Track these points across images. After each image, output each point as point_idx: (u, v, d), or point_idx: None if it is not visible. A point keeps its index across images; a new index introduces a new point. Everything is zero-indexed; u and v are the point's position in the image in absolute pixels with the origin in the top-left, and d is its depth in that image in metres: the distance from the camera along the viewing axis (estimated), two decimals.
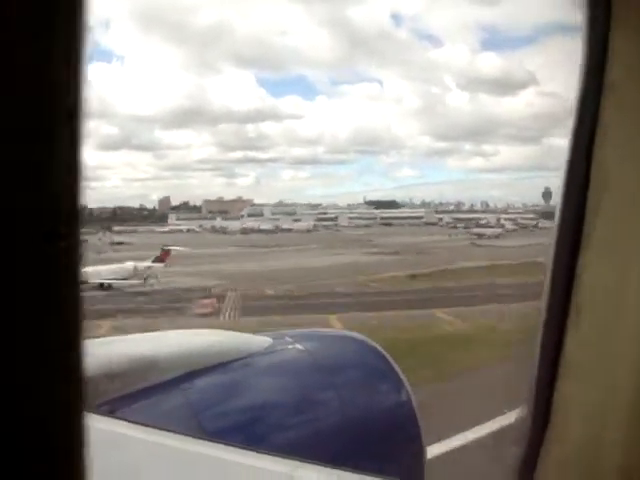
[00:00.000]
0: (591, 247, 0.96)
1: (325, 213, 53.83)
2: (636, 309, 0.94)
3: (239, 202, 56.10)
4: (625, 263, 0.95)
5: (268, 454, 1.63)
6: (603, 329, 0.97)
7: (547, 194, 49.17)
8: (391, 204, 56.77)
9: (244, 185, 61.09)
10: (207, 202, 56.54)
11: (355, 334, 2.53)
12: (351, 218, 52.22)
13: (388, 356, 2.35)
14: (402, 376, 2.30)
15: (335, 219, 51.55)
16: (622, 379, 0.96)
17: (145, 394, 1.97)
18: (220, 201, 57.03)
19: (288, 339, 2.32)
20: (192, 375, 2.05)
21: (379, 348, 2.39)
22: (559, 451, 1.01)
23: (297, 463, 1.58)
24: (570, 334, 0.98)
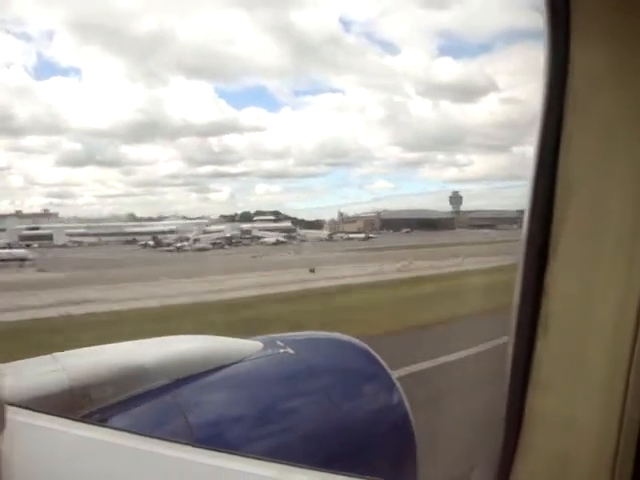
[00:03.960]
0: (558, 258, 0.97)
1: (37, 228, 43.41)
2: (604, 320, 0.95)
3: (43, 216, 47.62)
4: (592, 274, 0.96)
5: (257, 458, 1.63)
6: (572, 340, 0.98)
7: (455, 198, 46.76)
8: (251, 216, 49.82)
9: (220, 200, 59.47)
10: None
11: (346, 336, 2.54)
12: (71, 234, 43.28)
13: (379, 358, 2.35)
14: (394, 378, 2.31)
15: (50, 237, 42.06)
16: (592, 391, 0.97)
17: (136, 401, 1.97)
18: (18, 215, 47.28)
19: (279, 343, 2.32)
20: (183, 381, 2.05)
21: (370, 350, 2.39)
22: (531, 465, 1.01)
23: (286, 467, 1.58)
24: (539, 346, 0.99)
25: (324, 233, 45.50)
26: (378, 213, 48.81)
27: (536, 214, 0.99)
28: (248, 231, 44.54)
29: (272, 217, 49.00)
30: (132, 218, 47.88)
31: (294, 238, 43.96)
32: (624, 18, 0.91)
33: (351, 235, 45.09)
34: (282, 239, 42.05)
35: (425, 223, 47.43)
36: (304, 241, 43.37)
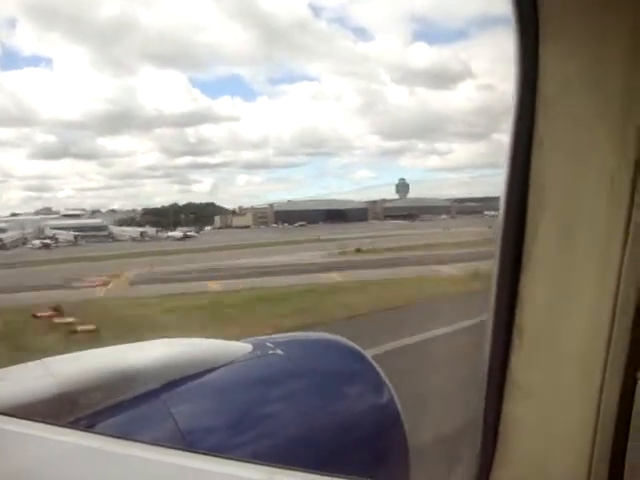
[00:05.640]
0: (531, 266, 0.96)
1: None
2: (578, 328, 0.95)
3: None
4: (564, 282, 0.96)
5: (248, 461, 1.64)
6: (546, 348, 0.98)
7: (402, 186, 43.86)
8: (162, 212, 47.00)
9: (202, 191, 58.67)
10: None
11: (337, 337, 2.54)
12: None
13: (370, 358, 2.35)
14: (385, 378, 2.31)
15: None
16: (567, 399, 0.97)
17: (125, 407, 1.96)
18: None
19: (269, 345, 2.32)
20: (172, 385, 2.04)
21: (361, 350, 2.39)
22: (508, 473, 1.02)
23: (277, 469, 1.58)
24: (514, 354, 0.99)
25: (137, 231, 41.78)
26: (271, 205, 46.43)
27: (510, 221, 0.99)
28: (42, 230, 38.65)
29: (78, 213, 45.08)
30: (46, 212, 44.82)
31: (107, 237, 39.58)
32: (592, 21, 0.91)
33: (187, 233, 40.84)
34: (48, 242, 36.26)
35: (333, 215, 45.09)
36: (118, 240, 39.08)
